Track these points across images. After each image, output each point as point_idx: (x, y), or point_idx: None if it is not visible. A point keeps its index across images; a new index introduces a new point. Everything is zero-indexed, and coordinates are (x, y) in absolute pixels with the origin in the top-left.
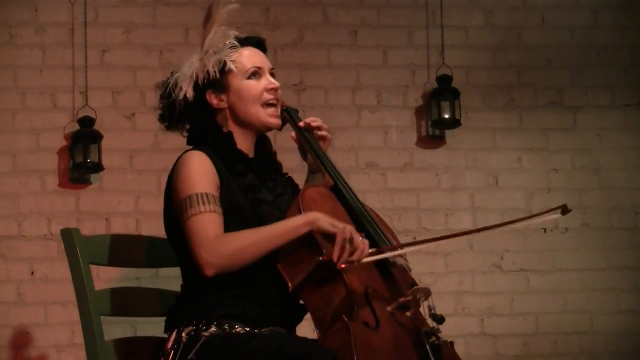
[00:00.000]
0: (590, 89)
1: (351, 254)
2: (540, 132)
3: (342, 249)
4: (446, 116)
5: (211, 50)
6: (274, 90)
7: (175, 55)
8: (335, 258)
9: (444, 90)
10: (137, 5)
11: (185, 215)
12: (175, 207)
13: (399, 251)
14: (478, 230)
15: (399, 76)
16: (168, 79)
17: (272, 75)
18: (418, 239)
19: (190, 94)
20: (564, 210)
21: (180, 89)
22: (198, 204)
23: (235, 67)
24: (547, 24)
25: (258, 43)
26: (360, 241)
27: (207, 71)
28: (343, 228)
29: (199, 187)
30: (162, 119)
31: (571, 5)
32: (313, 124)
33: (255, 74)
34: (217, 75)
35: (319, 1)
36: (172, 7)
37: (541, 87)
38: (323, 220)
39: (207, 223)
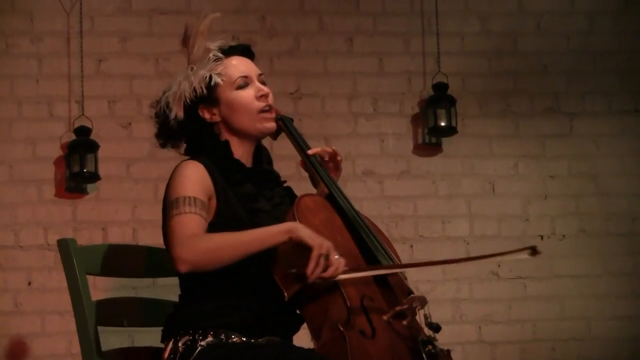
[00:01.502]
0: (586, 95)
1: (325, 269)
2: (537, 138)
3: (317, 264)
4: (442, 123)
5: (195, 68)
6: (264, 97)
7: (172, 64)
8: (308, 272)
9: (440, 97)
10: (132, 14)
11: (169, 215)
12: (164, 210)
13: (375, 272)
14: (451, 262)
15: (395, 84)
16: (160, 98)
17: (262, 81)
18: (415, 246)
19: (180, 115)
20: (534, 251)
21: (171, 109)
22: (183, 205)
23: (222, 79)
24: (543, 30)
25: (243, 50)
26: (336, 259)
27: (194, 88)
28: (320, 243)
29: (186, 191)
30: (157, 136)
31: (567, 12)
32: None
33: (244, 84)
34: (205, 91)
35: (315, 9)
36: (168, 15)
37: (537, 93)
38: (303, 230)
39: (187, 222)
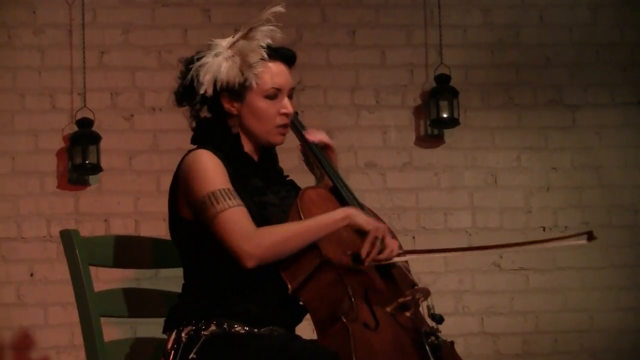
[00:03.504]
0: (589, 87)
1: (380, 252)
2: (540, 130)
3: (373, 246)
4: (445, 115)
5: (238, 58)
6: (285, 115)
7: (174, 56)
8: (364, 254)
9: (442, 89)
10: (135, 6)
11: (212, 211)
12: (195, 206)
13: (425, 255)
14: (504, 246)
15: (397, 76)
16: (192, 58)
17: (290, 95)
18: (417, 238)
19: (209, 91)
20: (590, 236)
21: (200, 83)
22: (224, 199)
23: (256, 83)
24: (545, 23)
25: (288, 58)
26: (391, 242)
27: (229, 79)
28: (377, 226)
29: (219, 183)
30: (176, 96)
31: (570, 4)
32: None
33: (274, 95)
34: (237, 86)
35: (318, 1)
36: (170, 7)
37: (540, 85)
38: (359, 216)
39: (240, 216)
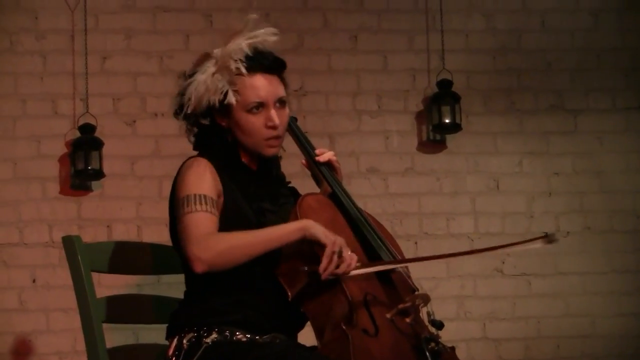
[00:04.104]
0: (590, 92)
1: (337, 266)
2: (541, 135)
3: (330, 261)
4: (447, 120)
5: (219, 75)
6: (272, 128)
7: (176, 61)
8: (320, 269)
9: (444, 94)
10: (137, 11)
11: (181, 212)
12: (174, 208)
13: (386, 266)
14: (460, 254)
15: (399, 81)
16: (184, 75)
17: (282, 102)
18: (419, 243)
19: (198, 109)
20: (550, 239)
21: (189, 103)
22: (195, 203)
23: (237, 100)
24: (547, 28)
25: (269, 68)
26: (349, 255)
27: (209, 99)
28: (334, 240)
29: (197, 189)
30: (175, 113)
31: (571, 9)
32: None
33: (257, 107)
34: (217, 104)
35: (319, 6)
36: (172, 13)
37: (542, 90)
38: (316, 228)
39: (201, 221)
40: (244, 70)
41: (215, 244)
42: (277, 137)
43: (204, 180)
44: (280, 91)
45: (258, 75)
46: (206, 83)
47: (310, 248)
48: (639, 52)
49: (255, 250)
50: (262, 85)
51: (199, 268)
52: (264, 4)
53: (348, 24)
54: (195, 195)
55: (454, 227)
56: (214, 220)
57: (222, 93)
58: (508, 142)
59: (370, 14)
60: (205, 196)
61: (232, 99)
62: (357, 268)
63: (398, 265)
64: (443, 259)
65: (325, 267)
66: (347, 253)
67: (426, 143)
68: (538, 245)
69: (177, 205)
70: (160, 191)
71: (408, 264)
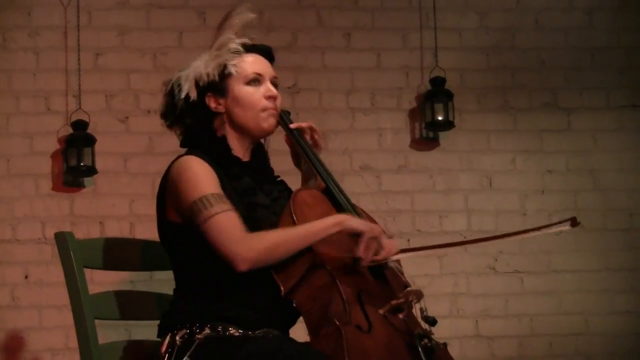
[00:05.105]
0: (584, 90)
1: (376, 253)
2: (535, 133)
3: (367, 247)
4: (440, 118)
5: (215, 53)
6: (272, 98)
7: (169, 58)
8: (362, 255)
9: (437, 92)
10: (130, 8)
11: (202, 216)
12: (185, 212)
13: (422, 252)
14: (496, 238)
15: (392, 78)
16: (173, 76)
17: (275, 84)
18: (412, 240)
19: (193, 94)
20: (573, 222)
21: (181, 89)
22: (215, 204)
23: (236, 71)
24: (541, 26)
25: (264, 52)
26: (387, 242)
27: (208, 73)
28: (371, 227)
29: (209, 188)
30: (163, 116)
31: (565, 7)
32: (304, 125)
33: (255, 80)
34: (217, 78)
35: (313, 4)
36: (166, 10)
37: (535, 88)
38: (352, 220)
39: (232, 220)
40: (241, 49)
41: (258, 243)
42: (275, 110)
43: (210, 177)
44: (274, 73)
45: (254, 54)
46: (205, 61)
47: (345, 237)
48: (632, 51)
49: (296, 246)
50: (260, 61)
51: (244, 267)
52: (257, 1)
53: (342, 22)
54: (212, 195)
55: (446, 224)
56: (238, 217)
57: (221, 66)
58: (501, 140)
59: (364, 11)
60: (220, 195)
61: (232, 69)
62: (397, 254)
63: (436, 249)
64: (468, 244)
65: (364, 253)
66: (385, 240)
67: (419, 140)
68: (565, 227)
69: (192, 208)
70: (153, 188)
71: (429, 252)
